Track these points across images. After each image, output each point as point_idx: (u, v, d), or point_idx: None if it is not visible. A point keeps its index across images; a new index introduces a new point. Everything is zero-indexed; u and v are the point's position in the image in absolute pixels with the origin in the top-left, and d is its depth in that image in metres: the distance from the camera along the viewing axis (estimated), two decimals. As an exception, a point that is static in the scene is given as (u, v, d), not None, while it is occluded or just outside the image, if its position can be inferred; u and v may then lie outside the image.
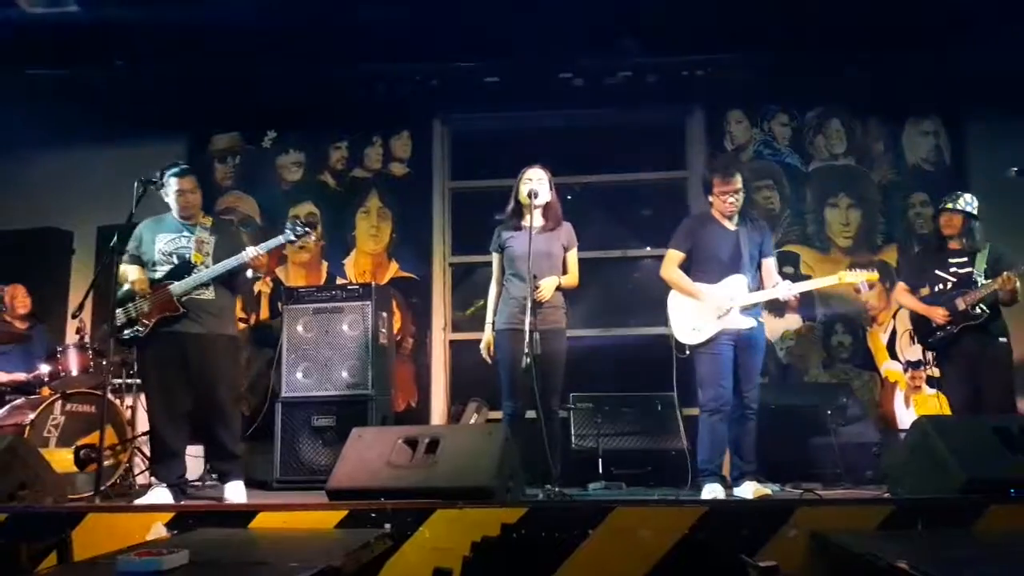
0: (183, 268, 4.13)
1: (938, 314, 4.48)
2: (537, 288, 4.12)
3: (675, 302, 4.30)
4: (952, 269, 4.55)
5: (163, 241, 4.21)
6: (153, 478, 4.20)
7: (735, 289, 4.14)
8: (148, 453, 5.44)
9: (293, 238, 4.24)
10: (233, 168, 6.64)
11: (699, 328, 4.17)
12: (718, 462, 4.14)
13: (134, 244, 4.25)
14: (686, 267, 4.34)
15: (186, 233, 4.23)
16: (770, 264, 4.30)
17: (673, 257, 4.33)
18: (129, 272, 4.15)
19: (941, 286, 4.58)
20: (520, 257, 4.20)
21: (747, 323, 4.09)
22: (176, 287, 4.07)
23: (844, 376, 5.85)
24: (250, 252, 4.12)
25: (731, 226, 4.24)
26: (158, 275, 4.14)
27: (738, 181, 4.19)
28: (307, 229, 4.27)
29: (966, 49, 5.57)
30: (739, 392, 4.12)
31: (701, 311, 4.18)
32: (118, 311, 4.09)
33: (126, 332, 4.10)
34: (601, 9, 5.31)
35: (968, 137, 6.11)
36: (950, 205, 4.57)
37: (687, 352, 4.24)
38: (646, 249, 6.36)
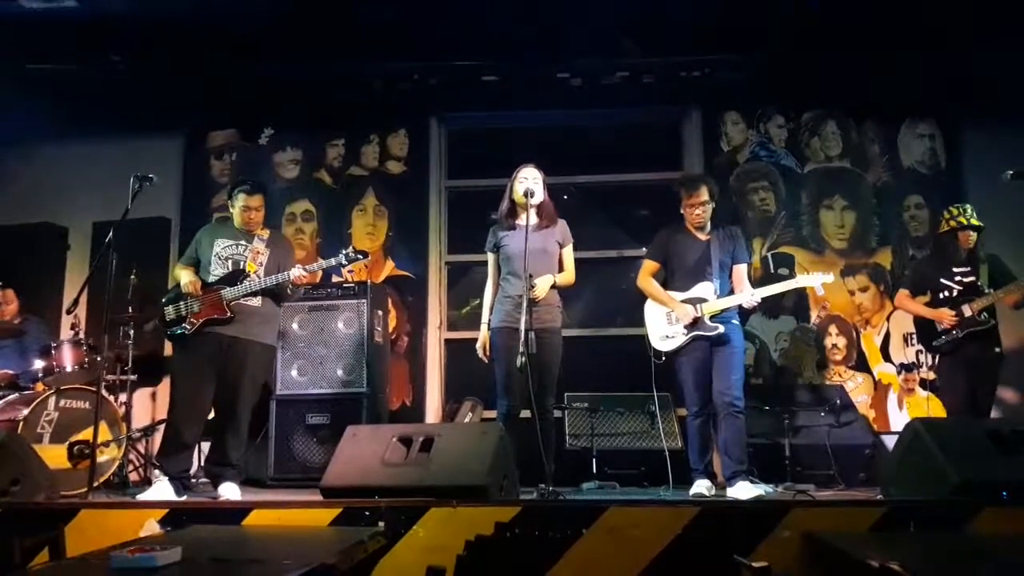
0: (236, 275, 4.29)
1: (946, 316, 4.56)
2: (532, 287, 4.13)
3: (650, 310, 4.46)
4: (957, 278, 4.66)
5: (221, 245, 4.38)
6: (157, 470, 4.24)
7: (702, 296, 4.27)
8: (142, 450, 5.46)
9: (344, 262, 4.37)
10: (230, 165, 6.63)
11: (671, 335, 4.33)
12: (706, 460, 4.25)
13: (192, 247, 4.46)
14: (664, 277, 4.48)
15: (243, 242, 4.40)
16: (740, 270, 4.42)
17: (647, 267, 4.51)
18: (182, 275, 4.33)
19: (946, 293, 4.67)
20: (516, 256, 4.20)
21: (716, 329, 4.21)
22: (227, 292, 4.22)
23: (838, 378, 5.87)
24: (295, 272, 4.27)
25: (702, 236, 4.40)
26: (211, 278, 4.29)
27: (703, 193, 4.34)
28: (359, 256, 4.38)
29: (962, 52, 5.59)
30: (718, 392, 4.20)
31: (672, 319, 4.34)
32: (169, 307, 4.28)
33: (174, 328, 4.25)
34: (599, 10, 5.32)
35: (963, 140, 6.14)
36: (970, 221, 4.63)
37: (663, 359, 4.37)
38: (642, 250, 6.34)
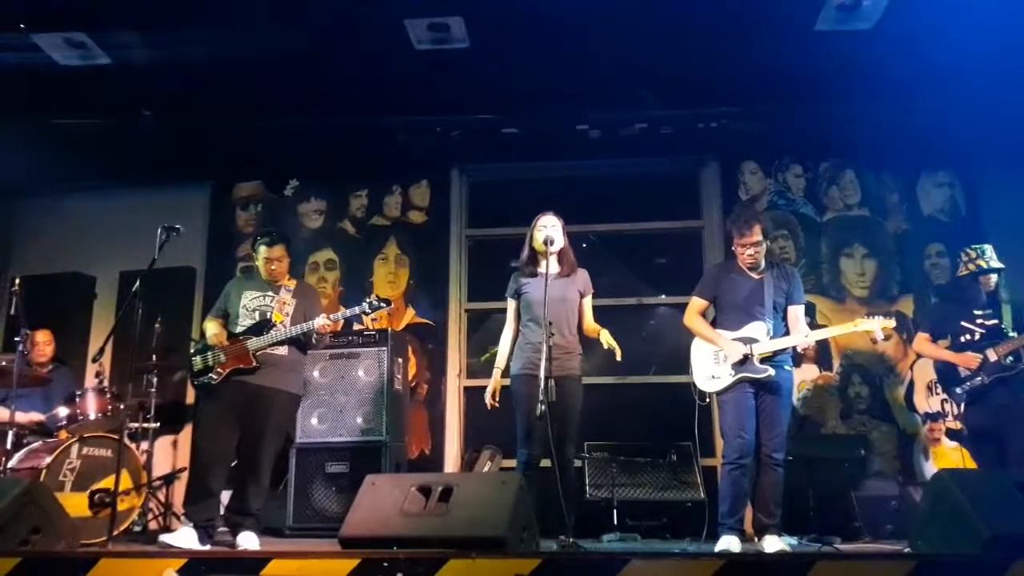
0: (263, 325, 4.36)
1: (971, 359, 4.43)
2: (552, 335, 4.11)
3: (696, 349, 4.31)
4: (979, 321, 4.53)
5: (248, 297, 4.46)
6: (183, 517, 4.25)
7: (754, 336, 4.12)
8: (162, 498, 5.46)
9: (368, 310, 4.41)
10: (255, 215, 6.76)
11: (718, 376, 4.16)
12: (738, 516, 4.05)
13: (222, 300, 4.55)
14: (712, 316, 4.35)
15: (271, 293, 4.48)
16: (797, 312, 4.25)
17: (695, 304, 4.36)
18: (208, 327, 4.43)
19: (968, 336, 4.55)
20: (537, 303, 4.22)
21: (766, 372, 4.04)
22: (253, 342, 4.29)
23: (862, 428, 5.78)
24: (319, 321, 4.32)
25: (755, 275, 4.24)
26: (239, 329, 4.37)
27: (756, 233, 4.19)
28: (382, 304, 4.41)
29: (980, 99, 5.61)
30: (761, 441, 4.04)
31: (720, 359, 4.18)
32: (197, 358, 4.35)
33: (201, 379, 4.32)
34: (617, 62, 5.42)
35: (983, 188, 6.12)
36: (985, 264, 4.54)
37: (707, 400, 4.23)
38: (661, 297, 6.38)
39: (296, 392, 4.50)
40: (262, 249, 4.46)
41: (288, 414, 4.53)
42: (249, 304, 4.43)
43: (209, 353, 4.32)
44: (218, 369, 4.27)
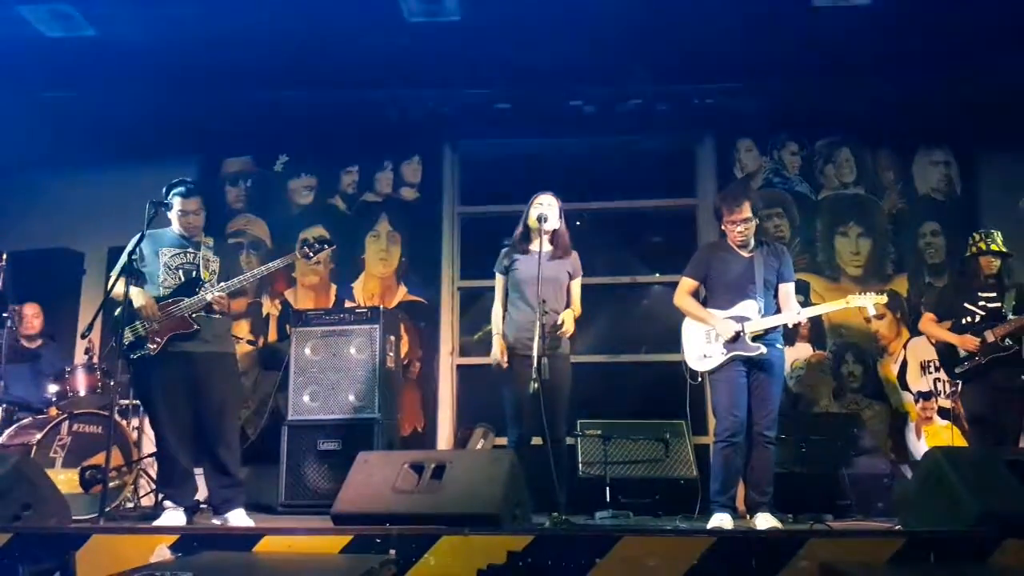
0: (193, 284, 4.07)
1: (969, 341, 4.50)
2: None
3: (687, 328, 4.30)
4: (981, 303, 4.59)
5: (168, 255, 4.14)
6: (167, 501, 4.10)
7: (745, 315, 4.11)
8: (155, 475, 5.45)
9: (311, 254, 4.25)
10: (245, 191, 6.69)
11: (709, 355, 4.15)
12: (730, 494, 4.06)
13: (127, 258, 4.05)
14: (703, 296, 4.34)
15: (191, 249, 4.20)
16: (788, 290, 4.25)
17: (685, 284, 4.34)
18: (134, 296, 3.98)
19: (969, 319, 4.61)
20: (526, 281, 4.21)
21: (757, 350, 4.03)
22: (187, 304, 4.01)
23: (854, 406, 5.80)
24: (257, 270, 4.17)
25: (745, 253, 4.22)
26: (163, 291, 4.07)
27: (746, 210, 4.15)
28: (323, 246, 4.28)
29: (977, 78, 5.59)
30: (753, 420, 4.05)
31: (711, 338, 4.17)
32: (125, 329, 3.95)
33: (137, 352, 3.99)
34: (611, 37, 5.36)
35: (979, 167, 6.10)
36: (994, 247, 4.60)
37: (699, 379, 4.23)
38: (655, 276, 6.36)
39: (235, 352, 4.36)
40: (177, 200, 4.09)
41: (236, 375, 4.38)
42: (170, 263, 4.11)
43: (138, 323, 3.96)
44: (155, 339, 3.95)
